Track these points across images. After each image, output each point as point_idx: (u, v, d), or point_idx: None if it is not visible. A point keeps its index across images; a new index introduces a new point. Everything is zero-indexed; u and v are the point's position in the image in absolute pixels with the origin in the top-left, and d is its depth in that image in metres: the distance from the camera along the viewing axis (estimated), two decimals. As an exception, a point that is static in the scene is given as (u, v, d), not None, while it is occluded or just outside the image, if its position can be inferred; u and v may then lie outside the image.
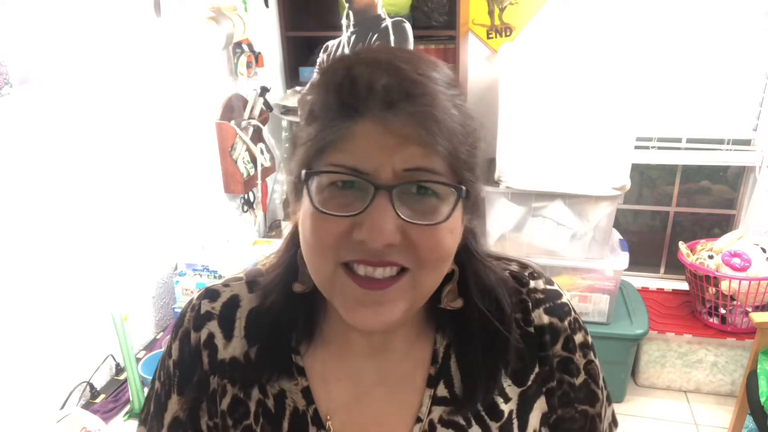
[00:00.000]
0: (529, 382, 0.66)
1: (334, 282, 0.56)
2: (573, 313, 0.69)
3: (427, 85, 0.53)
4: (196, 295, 0.69)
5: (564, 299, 0.69)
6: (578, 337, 0.68)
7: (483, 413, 0.64)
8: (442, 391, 0.64)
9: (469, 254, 0.63)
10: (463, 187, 0.54)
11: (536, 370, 0.66)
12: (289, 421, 0.64)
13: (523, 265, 0.71)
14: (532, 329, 0.66)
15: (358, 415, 0.64)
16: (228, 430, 0.65)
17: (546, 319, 0.66)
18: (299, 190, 0.58)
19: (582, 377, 0.68)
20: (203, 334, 0.66)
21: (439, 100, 0.53)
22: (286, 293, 0.64)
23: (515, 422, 0.65)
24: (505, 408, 0.64)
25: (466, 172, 0.55)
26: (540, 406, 0.66)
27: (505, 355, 0.64)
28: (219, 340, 0.66)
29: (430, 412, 0.64)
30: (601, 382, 0.71)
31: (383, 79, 0.52)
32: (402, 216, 0.52)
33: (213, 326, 0.66)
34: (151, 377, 1.50)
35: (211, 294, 0.68)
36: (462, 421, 0.63)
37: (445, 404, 0.64)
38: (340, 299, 0.56)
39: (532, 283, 0.68)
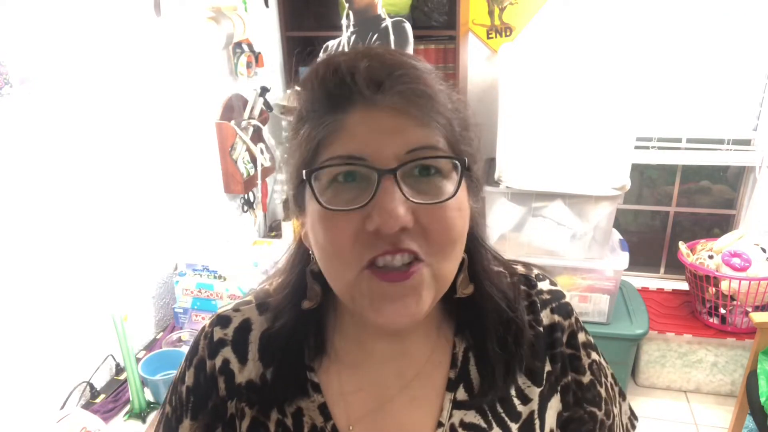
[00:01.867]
0: (545, 382, 0.66)
1: (359, 285, 0.54)
2: (574, 312, 0.71)
3: (409, 64, 0.54)
4: (208, 321, 0.70)
5: (567, 299, 0.71)
6: (581, 337, 0.70)
7: (503, 414, 0.64)
8: (461, 395, 0.64)
9: (475, 242, 0.64)
10: (465, 159, 0.54)
11: (548, 368, 0.67)
12: None
13: (527, 267, 0.72)
14: (542, 329, 0.67)
15: (382, 423, 0.64)
16: None
17: (554, 318, 0.68)
18: (300, 201, 0.58)
19: (588, 377, 0.69)
20: (218, 361, 0.66)
21: (424, 77, 0.54)
22: (295, 312, 0.64)
23: (537, 422, 0.65)
24: (525, 409, 0.65)
25: (463, 146, 0.56)
26: (555, 405, 0.67)
27: (520, 344, 0.64)
28: (234, 365, 0.66)
29: (451, 416, 0.63)
30: (608, 380, 0.71)
31: (365, 62, 0.53)
32: (410, 198, 0.51)
33: (227, 352, 0.67)
34: (150, 377, 1.51)
35: (222, 321, 0.68)
36: (483, 424, 0.63)
37: (466, 408, 0.64)
38: (367, 300, 0.55)
39: (540, 285, 0.70)
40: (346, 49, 2.51)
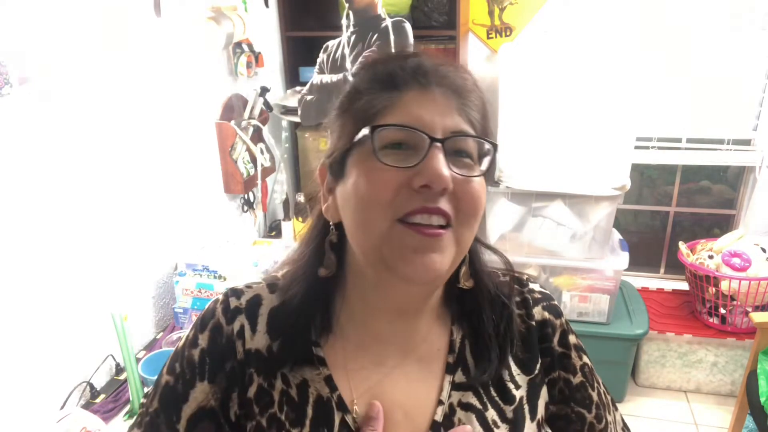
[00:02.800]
0: (536, 371, 0.72)
1: (390, 236, 0.59)
2: (564, 315, 0.76)
3: (458, 69, 0.64)
4: (221, 295, 0.72)
5: (555, 302, 0.77)
6: (572, 338, 0.75)
7: (497, 398, 0.69)
8: (459, 377, 0.69)
9: (474, 240, 0.67)
10: (497, 143, 0.62)
11: (539, 360, 0.73)
12: (313, 408, 0.66)
13: (520, 273, 0.78)
14: (533, 323, 0.73)
15: (382, 400, 0.67)
16: (255, 417, 0.66)
17: (546, 314, 0.74)
18: (339, 170, 0.63)
19: (579, 378, 0.74)
20: (236, 326, 0.68)
21: (468, 82, 0.63)
22: (308, 283, 0.67)
23: (526, 407, 0.70)
24: (516, 394, 0.70)
25: (490, 137, 0.64)
26: (543, 395, 0.72)
27: (510, 329, 0.70)
28: (247, 331, 0.68)
29: (450, 396, 0.68)
30: (601, 388, 0.77)
31: (428, 62, 0.63)
32: (451, 168, 0.59)
33: (242, 319, 0.69)
34: (150, 377, 1.51)
35: (236, 292, 0.71)
36: (479, 405, 0.68)
37: (464, 389, 0.69)
38: (396, 251, 0.59)
39: (531, 285, 0.76)
40: (347, 49, 2.49)
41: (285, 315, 0.68)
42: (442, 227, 0.59)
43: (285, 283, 0.70)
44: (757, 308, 2.40)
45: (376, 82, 0.62)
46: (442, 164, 0.57)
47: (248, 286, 0.72)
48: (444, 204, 0.58)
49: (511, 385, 0.70)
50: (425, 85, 0.61)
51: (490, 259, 0.73)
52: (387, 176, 0.58)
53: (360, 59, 2.28)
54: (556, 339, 0.73)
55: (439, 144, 0.58)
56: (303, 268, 0.69)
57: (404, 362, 0.69)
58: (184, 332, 1.74)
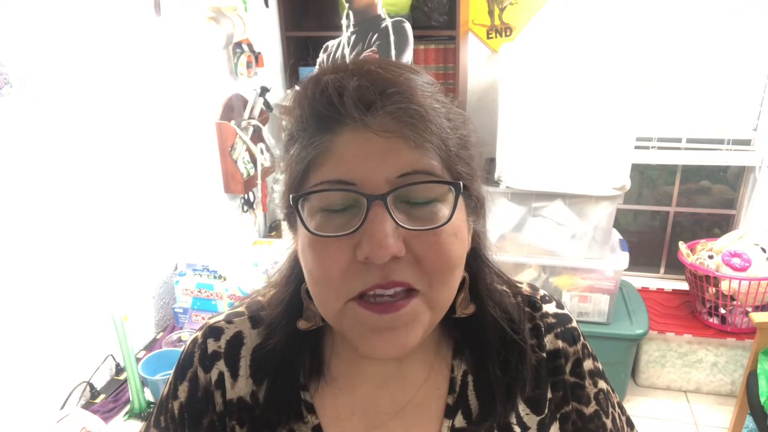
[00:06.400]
0: (546, 410, 0.64)
1: (344, 314, 0.52)
2: (582, 338, 0.68)
3: (402, 82, 0.51)
4: (199, 333, 0.66)
5: (574, 324, 0.68)
6: (587, 364, 0.67)
7: None
8: (460, 421, 0.62)
9: (478, 260, 0.62)
10: (461, 183, 0.51)
11: (549, 395, 0.65)
12: None
13: (533, 288, 0.69)
14: (544, 354, 0.65)
15: None
16: None
17: (558, 343, 0.66)
18: (293, 221, 0.56)
19: (593, 407, 0.66)
20: (214, 375, 0.64)
21: (418, 95, 0.51)
22: (290, 331, 0.61)
23: None
24: None
25: (460, 166, 0.53)
26: None
27: (523, 366, 0.62)
28: (227, 379, 0.64)
29: None
30: (615, 411, 0.69)
31: (354, 81, 0.50)
32: (401, 224, 0.49)
33: (221, 365, 0.64)
34: (150, 377, 1.51)
35: (215, 332, 0.65)
36: None
37: None
38: (354, 331, 0.53)
39: (545, 308, 0.67)
40: (347, 49, 2.47)
41: (269, 360, 0.62)
42: (407, 293, 0.51)
43: (268, 325, 0.63)
44: (757, 308, 2.40)
45: (306, 122, 0.52)
46: (383, 230, 0.48)
47: (229, 321, 0.66)
48: (399, 273, 0.50)
49: (518, 429, 0.62)
50: (361, 121, 0.49)
51: (497, 259, 0.65)
52: (331, 251, 0.50)
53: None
54: (568, 368, 0.65)
55: (380, 201, 0.49)
56: (282, 315, 0.62)
57: (399, 407, 0.62)
58: (182, 332, 1.74)
